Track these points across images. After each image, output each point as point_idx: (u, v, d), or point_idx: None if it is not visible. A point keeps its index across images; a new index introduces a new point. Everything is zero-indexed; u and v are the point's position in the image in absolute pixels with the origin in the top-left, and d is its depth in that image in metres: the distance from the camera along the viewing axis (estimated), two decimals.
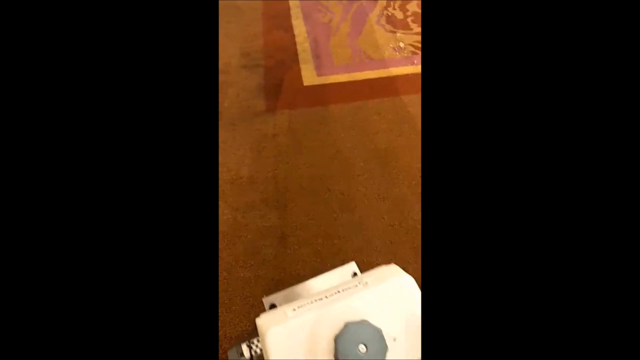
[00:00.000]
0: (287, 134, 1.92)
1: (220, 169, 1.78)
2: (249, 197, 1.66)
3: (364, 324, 0.53)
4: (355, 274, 1.00)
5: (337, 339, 0.52)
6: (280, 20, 2.70)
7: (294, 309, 0.58)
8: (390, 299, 0.58)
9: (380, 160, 1.75)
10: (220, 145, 1.88)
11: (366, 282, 0.60)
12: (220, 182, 1.72)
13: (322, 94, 2.11)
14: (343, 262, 1.44)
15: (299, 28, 2.60)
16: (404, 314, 0.56)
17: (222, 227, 1.55)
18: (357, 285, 0.60)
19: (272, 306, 0.93)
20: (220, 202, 1.64)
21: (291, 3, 2.82)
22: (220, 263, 1.45)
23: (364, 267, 1.42)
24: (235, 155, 1.83)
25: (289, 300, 0.92)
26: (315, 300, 0.59)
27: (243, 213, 1.60)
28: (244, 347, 0.64)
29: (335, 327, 0.53)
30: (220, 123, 1.99)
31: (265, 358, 0.54)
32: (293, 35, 2.54)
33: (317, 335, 0.54)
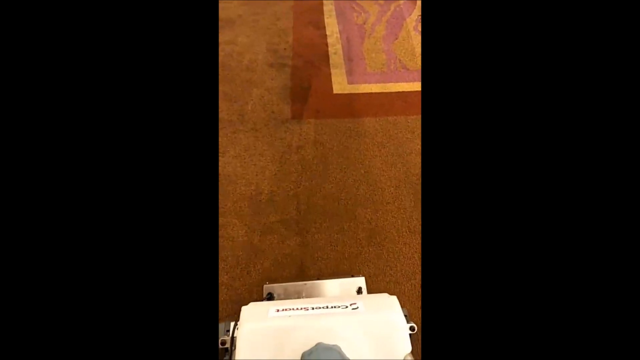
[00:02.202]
0: (312, 147, 1.73)
1: (239, 182, 1.59)
2: (268, 217, 1.48)
3: (334, 349, 0.50)
4: (360, 289, 0.95)
5: (304, 356, 0.50)
6: (312, 16, 2.48)
7: (278, 310, 0.58)
8: (372, 333, 0.55)
9: (413, 187, 1.55)
10: (241, 153, 1.70)
11: (357, 307, 0.58)
12: (238, 197, 1.54)
13: (353, 104, 1.91)
14: None
15: (332, 27, 2.37)
16: (382, 352, 0.54)
17: (237, 250, 1.38)
18: (347, 307, 0.58)
19: (269, 295, 0.93)
20: (236, 221, 1.47)
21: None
22: (232, 294, 1.28)
23: None
24: (256, 167, 1.65)
25: (287, 293, 0.93)
26: (301, 309, 0.58)
27: (260, 236, 1.42)
28: (232, 325, 0.63)
29: (307, 343, 0.51)
30: (243, 128, 1.80)
31: (234, 346, 0.55)
32: (325, 35, 2.32)
33: (287, 344, 0.53)
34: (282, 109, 1.90)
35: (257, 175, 1.62)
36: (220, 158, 1.68)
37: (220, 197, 1.53)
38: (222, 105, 1.91)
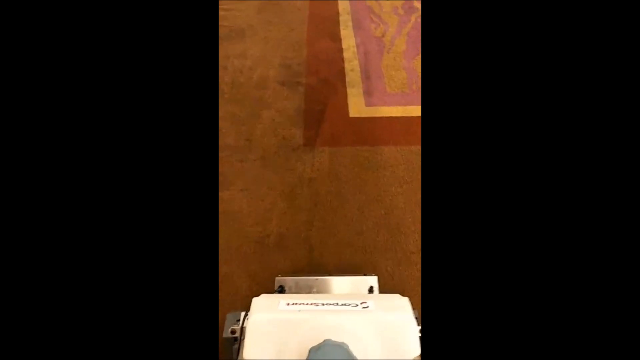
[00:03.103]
0: (326, 179, 1.53)
1: (244, 221, 1.41)
2: (276, 265, 1.29)
3: (342, 347, 0.49)
4: (371, 288, 0.92)
5: (311, 351, 0.48)
6: (327, 27, 2.27)
7: (288, 304, 0.57)
8: (382, 333, 0.53)
9: None
10: (249, 186, 1.51)
11: (368, 306, 0.56)
12: (243, 240, 1.35)
13: (371, 130, 1.70)
14: None
15: (348, 40, 2.16)
16: (390, 352, 0.52)
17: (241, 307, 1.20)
18: (357, 305, 0.56)
19: (281, 288, 0.91)
20: (240, 271, 1.28)
21: (341, 7, 2.38)
22: None
23: None
24: (264, 203, 1.46)
25: (299, 287, 0.90)
26: (312, 304, 0.57)
27: (266, 290, 1.23)
28: (242, 315, 0.62)
29: (315, 338, 0.50)
30: (251, 156, 1.61)
31: (243, 335, 0.55)
32: (340, 49, 2.11)
33: (295, 337, 0.52)
34: (293, 134, 1.70)
35: (264, 213, 1.43)
36: (225, 191, 1.49)
37: (224, 239, 1.35)
38: (230, 128, 1.73)
